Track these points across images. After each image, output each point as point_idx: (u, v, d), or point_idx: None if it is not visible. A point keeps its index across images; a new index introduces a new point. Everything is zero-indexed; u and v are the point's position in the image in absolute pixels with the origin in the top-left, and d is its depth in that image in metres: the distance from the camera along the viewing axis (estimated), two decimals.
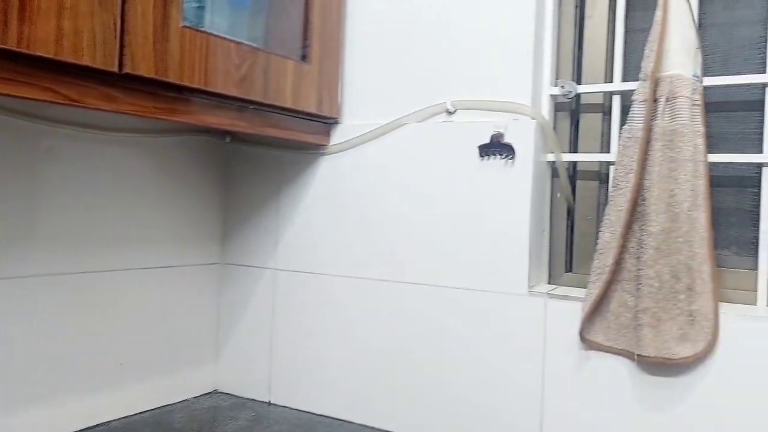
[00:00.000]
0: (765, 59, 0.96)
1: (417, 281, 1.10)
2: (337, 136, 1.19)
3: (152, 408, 1.20)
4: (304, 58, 1.10)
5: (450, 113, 1.09)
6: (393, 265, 1.13)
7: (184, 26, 0.85)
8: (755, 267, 0.97)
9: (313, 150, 1.21)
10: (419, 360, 1.10)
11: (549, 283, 1.11)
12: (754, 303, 0.96)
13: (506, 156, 1.04)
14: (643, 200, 0.94)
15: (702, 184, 0.92)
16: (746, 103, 1.02)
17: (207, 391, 1.31)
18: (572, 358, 0.98)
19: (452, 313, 1.07)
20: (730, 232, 1.03)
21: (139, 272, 1.16)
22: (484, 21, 1.07)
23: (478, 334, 1.05)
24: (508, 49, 1.05)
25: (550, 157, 1.09)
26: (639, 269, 0.93)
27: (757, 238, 0.97)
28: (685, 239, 0.91)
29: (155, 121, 1.09)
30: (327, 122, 1.18)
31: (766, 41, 0.95)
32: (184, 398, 1.26)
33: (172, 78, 0.84)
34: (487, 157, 1.06)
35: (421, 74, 1.12)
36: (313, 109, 1.11)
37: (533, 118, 1.03)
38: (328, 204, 1.19)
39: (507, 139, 1.04)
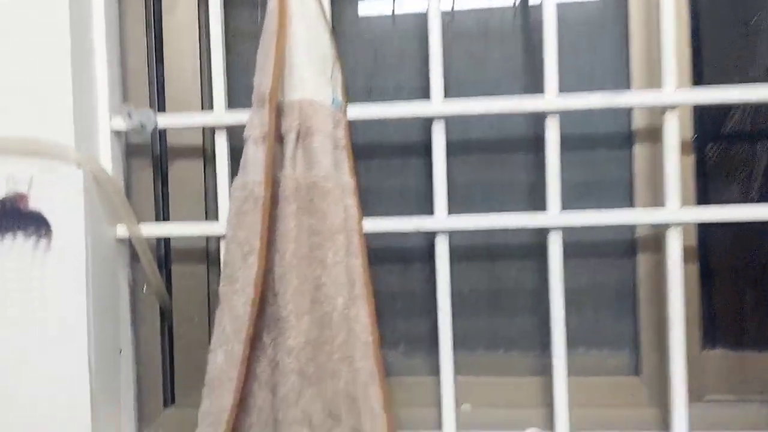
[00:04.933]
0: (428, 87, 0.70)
1: None
2: None
3: None
4: None
5: None
6: None
7: None
8: (435, 370, 0.66)
9: None
10: None
11: (141, 430, 0.68)
12: (438, 427, 0.66)
13: (36, 233, 0.60)
14: (275, 297, 0.59)
15: (358, 264, 0.62)
16: (405, 147, 0.74)
17: None
18: None
19: None
20: (396, 324, 0.75)
21: None
22: None
23: None
24: (29, 54, 0.61)
25: (121, 232, 0.66)
26: (278, 410, 0.58)
27: (434, 328, 0.67)
28: (342, 354, 0.59)
29: None
30: None
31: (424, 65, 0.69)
32: None
33: None
34: (2, 236, 0.59)
35: None
36: None
37: (80, 167, 0.59)
38: None
39: (34, 205, 0.59)
